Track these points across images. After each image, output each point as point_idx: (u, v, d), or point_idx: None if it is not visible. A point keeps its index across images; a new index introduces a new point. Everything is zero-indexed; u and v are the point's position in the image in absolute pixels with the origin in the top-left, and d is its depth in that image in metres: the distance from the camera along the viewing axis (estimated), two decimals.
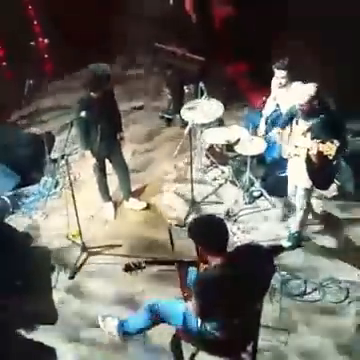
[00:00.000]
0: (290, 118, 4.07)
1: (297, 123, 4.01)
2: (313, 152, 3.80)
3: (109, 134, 4.49)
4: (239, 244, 4.26)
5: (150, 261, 3.24)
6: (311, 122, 3.87)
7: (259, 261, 3.03)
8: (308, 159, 3.91)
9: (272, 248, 4.38)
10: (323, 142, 3.71)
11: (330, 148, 3.65)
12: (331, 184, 4.25)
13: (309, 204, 4.31)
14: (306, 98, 3.79)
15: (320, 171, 3.92)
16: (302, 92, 3.86)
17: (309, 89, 3.82)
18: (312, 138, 3.83)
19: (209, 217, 3.16)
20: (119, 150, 4.72)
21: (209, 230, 2.93)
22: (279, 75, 4.64)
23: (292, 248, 4.44)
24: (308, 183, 4.06)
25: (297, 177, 4.14)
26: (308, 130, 3.88)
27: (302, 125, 3.95)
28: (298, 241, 4.46)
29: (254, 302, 3.06)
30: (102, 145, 4.48)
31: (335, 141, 3.65)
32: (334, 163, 3.88)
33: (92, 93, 4.28)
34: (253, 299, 3.04)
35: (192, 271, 3.21)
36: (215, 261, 2.91)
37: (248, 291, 2.90)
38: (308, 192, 4.17)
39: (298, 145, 3.96)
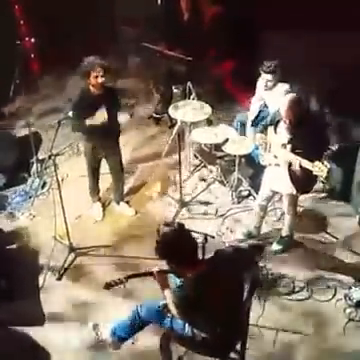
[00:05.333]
0: (274, 122, 3.94)
1: (276, 132, 3.92)
2: (296, 167, 3.71)
3: (107, 134, 4.39)
4: (221, 248, 4.23)
5: (130, 275, 3.17)
6: (292, 134, 3.77)
7: (240, 264, 3.01)
8: (290, 169, 3.82)
9: (257, 248, 4.38)
10: (312, 160, 3.56)
11: (321, 170, 3.50)
12: (314, 185, 4.12)
13: (296, 208, 4.23)
14: (288, 109, 3.69)
15: (304, 178, 3.79)
16: (283, 104, 3.74)
17: (289, 100, 3.72)
18: (292, 150, 3.74)
19: (173, 233, 2.90)
20: (117, 152, 4.65)
21: (176, 248, 2.86)
22: (265, 78, 4.64)
23: (281, 252, 4.38)
24: (292, 189, 3.95)
25: (279, 184, 4.03)
26: (289, 142, 3.78)
27: (282, 137, 3.85)
28: (287, 245, 4.39)
29: (240, 303, 3.05)
30: (99, 145, 4.45)
31: (326, 163, 3.50)
32: None
33: (92, 88, 4.21)
34: (238, 301, 3.02)
35: (173, 277, 3.16)
36: (191, 272, 2.89)
37: (231, 294, 2.88)
38: (293, 197, 4.08)
39: (278, 156, 3.90)
